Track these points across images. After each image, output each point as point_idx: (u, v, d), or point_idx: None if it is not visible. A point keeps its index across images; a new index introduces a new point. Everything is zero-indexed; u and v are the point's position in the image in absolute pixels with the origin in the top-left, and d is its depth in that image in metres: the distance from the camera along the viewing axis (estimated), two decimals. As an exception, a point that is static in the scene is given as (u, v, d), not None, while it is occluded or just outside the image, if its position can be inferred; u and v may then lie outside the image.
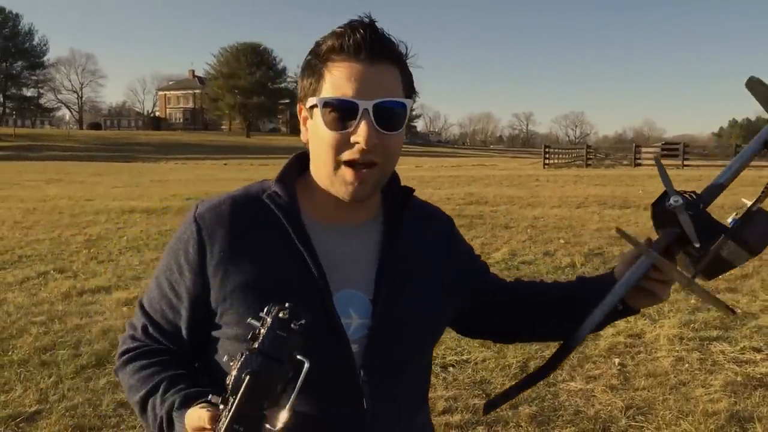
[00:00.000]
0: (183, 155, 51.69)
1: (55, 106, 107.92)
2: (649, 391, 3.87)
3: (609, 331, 4.90)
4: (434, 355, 4.39)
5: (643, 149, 33.68)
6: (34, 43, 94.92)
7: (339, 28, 1.04)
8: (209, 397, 0.90)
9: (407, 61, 1.09)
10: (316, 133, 1.05)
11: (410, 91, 1.10)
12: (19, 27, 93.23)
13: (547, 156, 31.83)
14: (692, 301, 5.62)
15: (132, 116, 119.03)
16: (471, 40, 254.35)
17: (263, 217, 1.08)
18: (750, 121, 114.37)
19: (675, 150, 30.62)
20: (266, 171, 25.55)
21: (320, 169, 1.08)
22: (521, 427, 3.45)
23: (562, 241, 8.31)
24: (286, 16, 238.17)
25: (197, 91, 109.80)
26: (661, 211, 1.16)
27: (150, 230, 9.50)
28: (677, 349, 4.54)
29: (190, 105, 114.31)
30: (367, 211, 1.14)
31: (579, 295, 1.25)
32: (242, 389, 0.80)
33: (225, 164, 32.23)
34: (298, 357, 0.84)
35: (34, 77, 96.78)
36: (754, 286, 6.14)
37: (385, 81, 1.03)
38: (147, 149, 61.33)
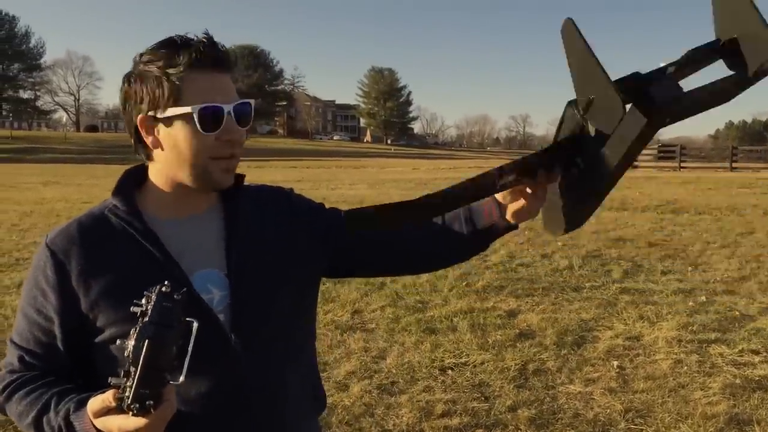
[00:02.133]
0: (180, 157, 51.54)
1: (52, 108, 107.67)
2: (647, 393, 3.87)
3: (607, 334, 4.90)
4: (432, 358, 4.42)
5: (640, 151, 33.70)
6: (31, 45, 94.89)
7: (182, 40, 1.15)
8: (109, 380, 0.97)
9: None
10: (180, 138, 1.15)
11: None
12: (16, 29, 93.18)
13: (545, 158, 31.79)
14: (690, 303, 5.62)
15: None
16: (467, 41, 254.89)
17: (110, 229, 1.19)
18: (746, 123, 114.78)
19: (672, 152, 30.68)
20: (262, 173, 25.59)
21: (185, 170, 1.17)
22: (520, 430, 3.44)
23: (559, 243, 8.31)
24: (284, 18, 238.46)
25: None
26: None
27: (147, 233, 9.48)
28: (676, 351, 4.54)
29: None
30: (207, 201, 1.26)
31: (464, 215, 1.35)
32: (143, 355, 0.90)
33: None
34: (187, 319, 0.96)
35: (30, 79, 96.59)
36: (752, 288, 6.14)
37: (231, 87, 1.18)
38: (144, 151, 61.03)
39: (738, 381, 4.00)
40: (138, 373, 0.91)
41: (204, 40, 1.15)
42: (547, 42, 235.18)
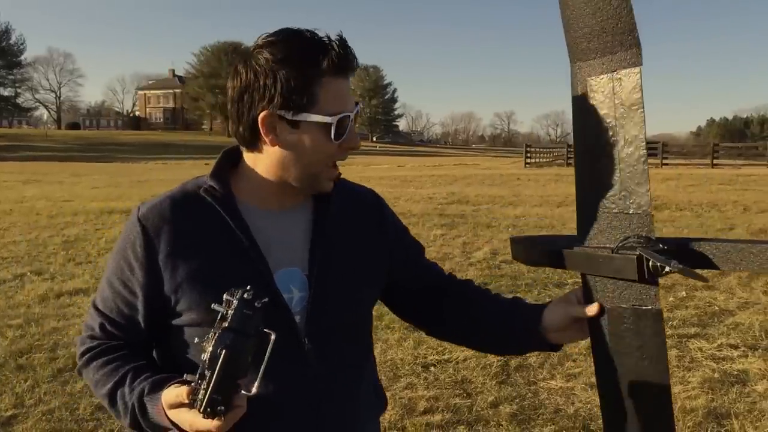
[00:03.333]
0: (163, 155, 51.26)
1: (33, 105, 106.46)
2: (628, 388, 3.89)
3: (589, 329, 4.93)
4: (415, 355, 4.43)
5: (623, 148, 33.91)
6: (11, 42, 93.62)
7: (318, 40, 1.11)
8: (184, 376, 1.00)
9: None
10: (307, 143, 1.13)
11: None
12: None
13: (529, 155, 32.02)
14: (670, 299, 5.68)
15: (111, 116, 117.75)
16: (453, 38, 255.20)
17: (202, 210, 1.17)
18: (727, 120, 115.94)
19: (654, 149, 30.92)
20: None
21: (297, 171, 1.16)
22: (502, 426, 3.46)
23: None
24: (266, 16, 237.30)
25: (177, 90, 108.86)
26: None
27: (129, 231, 9.38)
28: (656, 346, 4.57)
29: (171, 105, 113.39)
30: (299, 195, 1.24)
31: (508, 318, 1.31)
32: (219, 363, 0.91)
33: (206, 164, 31.97)
34: (264, 330, 0.96)
35: (11, 76, 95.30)
36: (731, 283, 6.21)
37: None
38: (127, 149, 60.71)
39: (717, 375, 4.05)
40: (213, 379, 0.92)
41: (340, 43, 1.11)
42: (532, 38, 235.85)
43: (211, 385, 0.92)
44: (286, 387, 1.16)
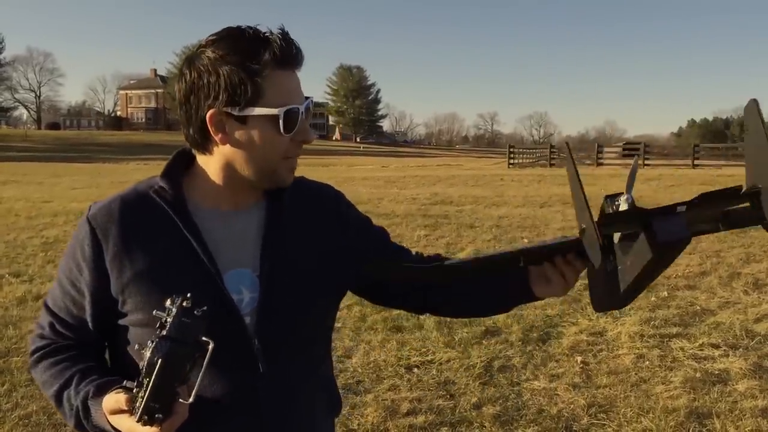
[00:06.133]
0: (145, 156, 50.78)
1: (12, 105, 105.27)
2: (610, 388, 3.91)
3: (572, 329, 4.95)
4: (399, 356, 4.41)
5: (606, 149, 34.29)
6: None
7: (258, 35, 1.10)
8: (124, 382, 1.01)
9: None
10: (257, 138, 1.12)
11: None
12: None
13: (512, 156, 32.17)
14: (652, 298, 5.71)
15: (92, 116, 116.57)
16: (436, 39, 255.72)
17: (152, 211, 1.16)
18: (708, 121, 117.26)
19: (636, 150, 31.20)
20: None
21: (253, 168, 1.15)
22: (485, 427, 3.45)
23: (526, 240, 8.37)
24: (248, 15, 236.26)
25: (160, 90, 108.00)
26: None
27: (110, 232, 9.28)
28: (638, 346, 4.60)
29: (153, 105, 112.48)
30: (252, 196, 1.22)
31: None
32: (155, 371, 0.92)
33: (188, 165, 31.69)
34: (203, 338, 0.96)
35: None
36: (712, 283, 6.26)
37: (300, 84, 1.16)
38: (108, 150, 60.17)
39: (698, 375, 4.07)
40: (149, 387, 0.93)
41: (282, 36, 1.10)
42: (515, 38, 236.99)
43: (148, 392, 0.93)
44: (231, 388, 1.16)
